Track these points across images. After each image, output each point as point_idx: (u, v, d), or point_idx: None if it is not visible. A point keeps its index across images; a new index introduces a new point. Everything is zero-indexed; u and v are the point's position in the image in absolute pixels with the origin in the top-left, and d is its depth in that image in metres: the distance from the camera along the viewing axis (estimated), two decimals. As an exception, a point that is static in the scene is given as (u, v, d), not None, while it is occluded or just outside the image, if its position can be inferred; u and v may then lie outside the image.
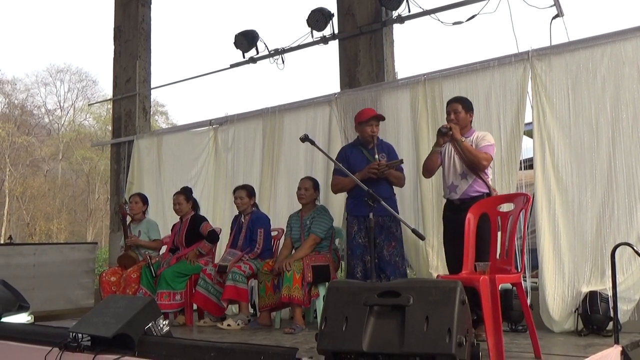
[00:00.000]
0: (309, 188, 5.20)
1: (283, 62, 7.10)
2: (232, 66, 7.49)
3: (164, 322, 3.80)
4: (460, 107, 4.39)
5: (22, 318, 5.75)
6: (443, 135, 4.35)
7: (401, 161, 4.66)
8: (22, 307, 5.77)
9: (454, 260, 4.21)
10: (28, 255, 8.16)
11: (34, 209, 26.58)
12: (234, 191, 5.68)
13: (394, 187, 4.84)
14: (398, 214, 4.70)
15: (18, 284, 6.41)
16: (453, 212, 4.36)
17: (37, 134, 29.39)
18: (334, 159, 4.70)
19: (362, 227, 4.67)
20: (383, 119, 4.87)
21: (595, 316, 4.29)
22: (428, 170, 4.57)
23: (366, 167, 4.62)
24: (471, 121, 4.48)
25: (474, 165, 4.24)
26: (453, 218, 4.31)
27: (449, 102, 4.50)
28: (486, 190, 4.27)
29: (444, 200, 4.56)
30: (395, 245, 4.68)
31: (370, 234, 3.94)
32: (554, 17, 5.37)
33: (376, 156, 4.66)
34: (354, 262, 4.72)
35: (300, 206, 5.30)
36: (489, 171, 4.37)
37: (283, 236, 5.51)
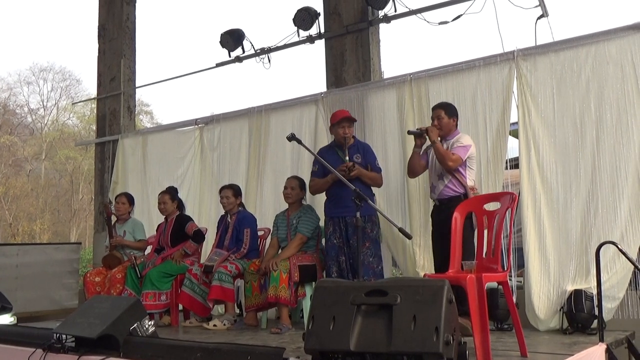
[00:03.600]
0: (295, 187, 5.19)
1: (269, 61, 7.09)
2: (217, 65, 7.46)
3: (149, 323, 3.77)
4: (443, 112, 4.54)
5: (5, 319, 5.70)
6: (417, 136, 4.56)
7: (352, 165, 4.60)
8: (4, 308, 5.72)
9: (439, 259, 4.29)
10: (11, 255, 8.07)
11: (16, 209, 26.25)
12: (220, 191, 5.65)
13: (373, 187, 4.86)
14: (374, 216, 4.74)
15: (1, 285, 6.36)
16: (436, 212, 4.57)
17: (19, 133, 29.03)
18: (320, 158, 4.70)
19: (337, 227, 4.75)
20: (354, 120, 4.90)
21: (580, 314, 4.33)
22: (410, 170, 4.78)
23: (337, 168, 4.61)
24: (456, 125, 4.59)
25: (443, 165, 4.41)
26: (436, 218, 4.54)
27: (433, 108, 4.66)
28: (462, 191, 4.37)
29: (432, 200, 4.62)
30: (369, 246, 4.68)
31: (357, 233, 3.94)
32: (539, 18, 5.42)
33: (346, 157, 4.67)
34: (330, 263, 4.77)
35: (286, 205, 5.29)
36: (469, 171, 4.45)
37: (269, 236, 5.49)
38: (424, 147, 4.61)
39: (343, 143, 4.76)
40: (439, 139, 4.47)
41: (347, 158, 4.67)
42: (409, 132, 4.67)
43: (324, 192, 4.97)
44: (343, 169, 4.57)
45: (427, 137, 4.49)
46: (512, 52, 5.01)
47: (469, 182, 4.42)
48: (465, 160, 4.41)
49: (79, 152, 25.57)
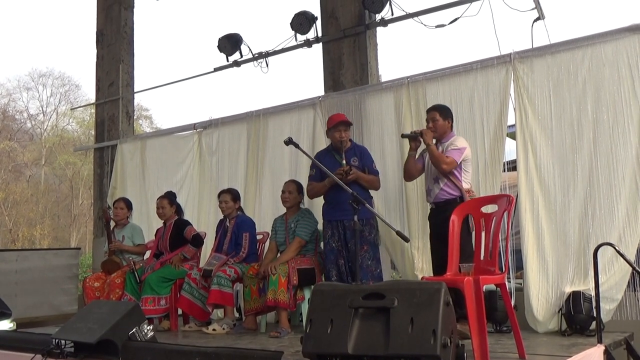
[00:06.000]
0: (292, 191, 5.20)
1: (267, 65, 7.10)
2: (215, 70, 7.47)
3: (148, 327, 3.78)
4: (438, 115, 4.52)
5: (4, 325, 5.69)
6: (412, 139, 4.55)
7: (349, 168, 4.62)
8: (4, 314, 5.71)
9: (438, 262, 4.28)
10: (10, 261, 8.07)
11: (16, 215, 26.23)
12: (219, 195, 5.65)
13: (372, 190, 4.87)
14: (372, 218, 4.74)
15: (0, 291, 6.34)
16: (432, 215, 4.55)
17: (19, 139, 29.03)
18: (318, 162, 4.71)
19: (335, 231, 4.78)
20: (350, 124, 4.92)
21: (578, 316, 4.33)
22: (406, 174, 4.73)
23: (334, 172, 4.61)
24: (451, 126, 4.58)
25: (438, 168, 4.39)
26: (433, 221, 4.53)
27: (428, 111, 4.63)
28: (458, 194, 4.36)
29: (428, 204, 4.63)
30: (367, 249, 4.69)
31: (355, 236, 3.95)
32: (535, 20, 5.43)
33: (343, 161, 4.70)
34: (329, 267, 4.80)
35: (284, 209, 5.30)
36: (464, 174, 4.43)
37: (268, 240, 5.49)
38: (419, 150, 4.61)
39: (340, 147, 4.79)
40: (435, 141, 4.47)
41: (344, 162, 4.69)
42: (403, 136, 4.70)
43: (321, 197, 4.98)
44: (340, 173, 4.59)
45: (421, 139, 4.48)
46: (509, 54, 5.03)
47: (465, 185, 4.41)
48: (461, 162, 4.38)
49: (78, 157, 25.59)
